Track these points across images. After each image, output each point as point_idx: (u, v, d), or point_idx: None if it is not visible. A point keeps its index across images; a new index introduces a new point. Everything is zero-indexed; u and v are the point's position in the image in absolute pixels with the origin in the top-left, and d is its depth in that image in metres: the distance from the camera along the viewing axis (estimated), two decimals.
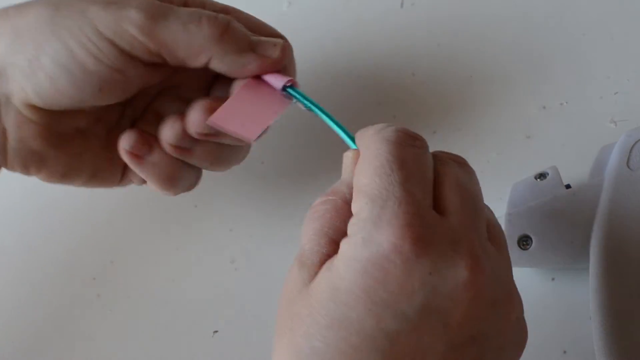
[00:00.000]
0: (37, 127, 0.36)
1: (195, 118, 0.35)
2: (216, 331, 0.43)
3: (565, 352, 0.38)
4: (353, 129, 0.48)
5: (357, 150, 0.31)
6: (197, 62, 0.35)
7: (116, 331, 0.44)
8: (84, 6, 0.33)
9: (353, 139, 0.32)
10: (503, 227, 0.39)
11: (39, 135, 0.36)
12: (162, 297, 0.45)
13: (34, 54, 0.33)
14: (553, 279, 0.40)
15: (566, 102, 0.46)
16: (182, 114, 0.36)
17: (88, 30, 0.33)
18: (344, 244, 0.28)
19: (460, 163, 0.31)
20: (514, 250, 0.38)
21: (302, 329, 0.27)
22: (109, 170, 0.39)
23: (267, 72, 0.35)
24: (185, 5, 0.36)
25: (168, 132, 0.36)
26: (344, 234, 0.28)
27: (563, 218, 0.38)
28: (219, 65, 0.35)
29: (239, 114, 0.34)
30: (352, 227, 0.28)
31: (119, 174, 0.39)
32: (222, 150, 0.37)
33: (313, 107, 0.34)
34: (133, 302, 0.45)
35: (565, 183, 0.40)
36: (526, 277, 0.40)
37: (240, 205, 0.46)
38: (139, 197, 0.45)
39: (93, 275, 0.46)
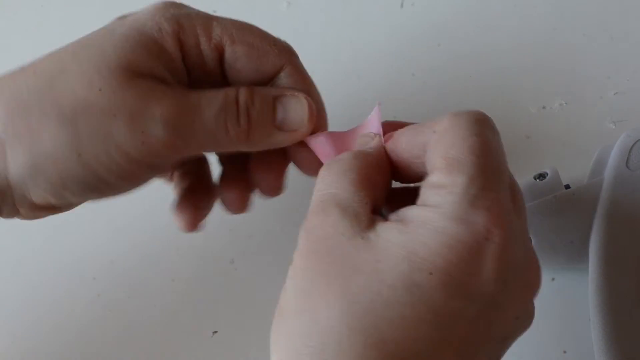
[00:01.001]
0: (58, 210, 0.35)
1: (230, 199, 0.36)
2: (216, 331, 0.43)
3: (565, 352, 0.38)
4: None
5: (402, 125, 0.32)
6: (228, 153, 0.35)
7: (116, 331, 0.44)
8: (106, 123, 0.30)
9: None
10: None
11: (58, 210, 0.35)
12: (162, 297, 0.45)
13: (60, 183, 0.32)
14: (553, 279, 0.40)
15: (566, 102, 0.46)
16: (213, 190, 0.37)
17: (116, 156, 0.31)
18: (425, 210, 0.27)
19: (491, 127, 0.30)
20: None
21: (361, 280, 0.26)
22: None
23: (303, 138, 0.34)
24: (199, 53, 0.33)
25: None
26: (383, 191, 0.29)
27: (563, 218, 0.38)
28: (248, 150, 0.34)
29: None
30: (436, 196, 0.27)
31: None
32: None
33: None
34: (133, 302, 0.45)
35: (565, 183, 0.40)
36: None
37: None
38: (139, 197, 0.45)
39: (93, 275, 0.46)
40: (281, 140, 0.34)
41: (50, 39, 0.57)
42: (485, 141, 0.28)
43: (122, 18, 0.33)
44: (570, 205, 0.38)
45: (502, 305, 0.27)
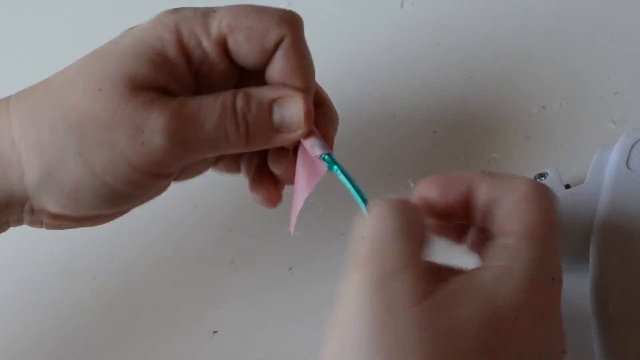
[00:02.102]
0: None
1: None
2: (216, 331, 0.43)
3: (564, 352, 0.38)
4: (353, 129, 0.48)
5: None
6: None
7: (116, 331, 0.44)
8: (110, 134, 0.32)
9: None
10: None
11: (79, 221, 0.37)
12: (162, 297, 0.45)
13: (73, 192, 0.33)
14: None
15: (566, 102, 0.46)
16: None
17: (121, 164, 0.33)
18: (510, 270, 0.30)
19: None
20: None
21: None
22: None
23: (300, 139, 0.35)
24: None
25: None
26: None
27: (563, 218, 0.38)
28: (248, 151, 0.36)
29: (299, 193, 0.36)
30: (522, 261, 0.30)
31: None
32: None
33: (342, 177, 0.34)
34: (133, 302, 0.45)
35: (565, 183, 0.40)
36: None
37: (240, 206, 0.46)
38: None
39: (93, 275, 0.46)
40: (280, 141, 0.35)
41: (50, 39, 0.58)
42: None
43: (132, 28, 0.35)
44: (571, 205, 0.38)
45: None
